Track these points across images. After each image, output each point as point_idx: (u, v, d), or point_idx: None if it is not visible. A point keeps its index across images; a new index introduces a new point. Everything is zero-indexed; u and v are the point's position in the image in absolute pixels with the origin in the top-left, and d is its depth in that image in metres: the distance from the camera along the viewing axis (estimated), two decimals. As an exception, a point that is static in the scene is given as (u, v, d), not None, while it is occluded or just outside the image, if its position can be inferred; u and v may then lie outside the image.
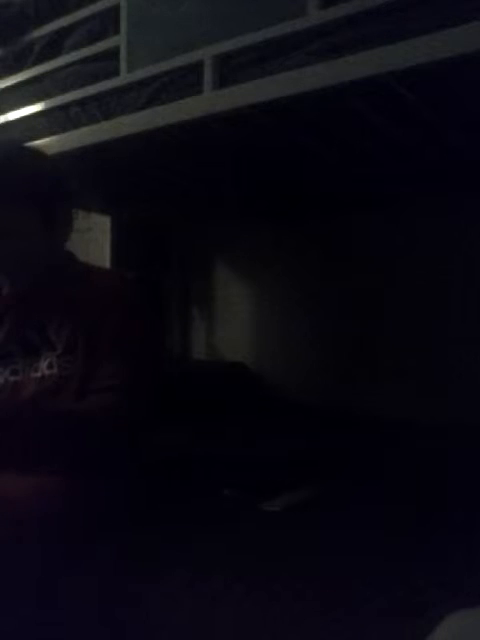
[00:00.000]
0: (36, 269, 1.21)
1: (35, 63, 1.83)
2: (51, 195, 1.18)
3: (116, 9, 1.59)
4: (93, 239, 2.92)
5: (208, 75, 1.38)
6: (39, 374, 1.13)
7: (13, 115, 1.86)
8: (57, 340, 1.14)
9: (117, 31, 1.59)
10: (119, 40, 1.58)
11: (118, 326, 1.13)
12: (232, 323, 2.93)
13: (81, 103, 1.68)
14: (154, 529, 1.15)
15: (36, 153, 1.25)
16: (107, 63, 1.63)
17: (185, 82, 1.44)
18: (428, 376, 2.31)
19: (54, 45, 1.79)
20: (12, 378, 1.15)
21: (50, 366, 1.12)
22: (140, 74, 1.52)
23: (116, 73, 1.58)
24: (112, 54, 1.60)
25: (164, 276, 3.08)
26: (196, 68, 1.41)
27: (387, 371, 2.43)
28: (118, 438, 1.12)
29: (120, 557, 1.09)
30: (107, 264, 2.77)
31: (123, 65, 1.56)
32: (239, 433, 2.01)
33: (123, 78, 1.56)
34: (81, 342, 1.12)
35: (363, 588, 0.91)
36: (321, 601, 0.90)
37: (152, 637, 0.97)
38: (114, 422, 1.09)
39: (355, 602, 0.88)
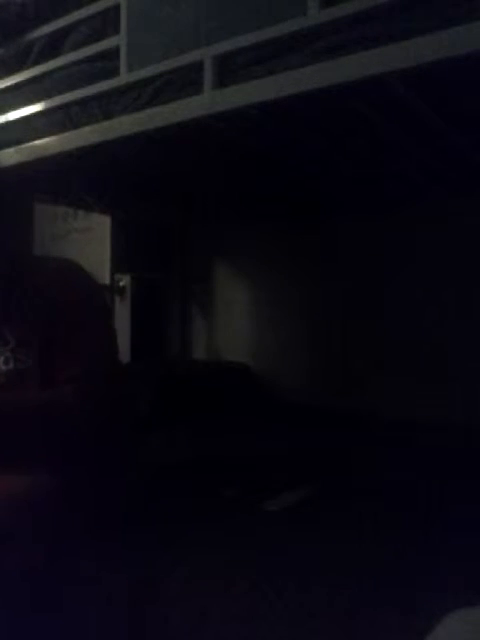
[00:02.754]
0: None
1: (35, 63, 1.82)
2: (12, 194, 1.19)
3: (116, 9, 1.59)
4: (93, 239, 2.92)
5: (208, 75, 1.37)
6: None
7: (13, 115, 1.86)
8: (9, 334, 1.14)
9: (117, 31, 1.58)
10: (119, 40, 1.57)
11: (72, 314, 1.14)
12: (232, 323, 2.93)
13: (81, 103, 1.67)
14: (154, 529, 1.15)
15: None
16: (107, 63, 1.63)
17: (185, 82, 1.44)
18: (428, 376, 2.31)
19: (54, 45, 1.79)
20: None
21: (6, 362, 1.12)
22: (140, 74, 1.52)
23: (116, 73, 1.58)
24: (112, 54, 1.60)
25: (164, 276, 3.08)
26: (196, 68, 1.40)
27: (387, 371, 2.43)
28: (80, 428, 1.10)
29: (119, 557, 1.09)
30: (107, 264, 2.77)
31: (123, 65, 1.56)
32: (239, 433, 2.01)
33: (123, 78, 1.56)
34: (36, 334, 1.12)
35: (363, 588, 0.91)
36: (321, 600, 0.90)
37: (152, 636, 0.97)
38: (73, 411, 1.08)
39: (355, 602, 0.88)
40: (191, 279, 3.08)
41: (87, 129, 1.66)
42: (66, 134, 1.72)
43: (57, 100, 1.73)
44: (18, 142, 1.84)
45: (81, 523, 1.11)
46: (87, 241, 2.95)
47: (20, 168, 1.82)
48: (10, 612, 0.98)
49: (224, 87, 1.37)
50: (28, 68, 1.84)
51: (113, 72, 1.59)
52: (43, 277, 1.18)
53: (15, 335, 1.13)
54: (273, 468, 1.58)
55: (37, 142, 1.78)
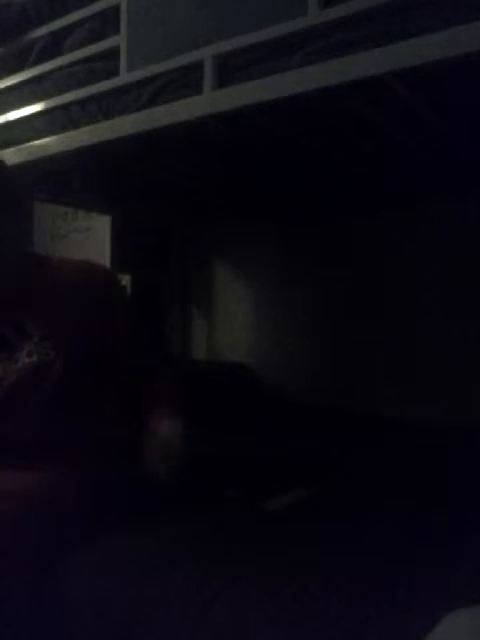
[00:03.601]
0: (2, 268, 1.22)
1: (35, 63, 1.82)
2: (10, 197, 1.19)
3: (116, 9, 1.59)
4: (93, 239, 2.92)
5: (208, 75, 1.38)
6: (19, 364, 1.16)
7: (13, 115, 1.86)
8: (33, 329, 1.17)
9: (117, 31, 1.59)
10: (119, 40, 1.57)
11: (96, 310, 1.19)
12: (232, 323, 2.93)
13: (81, 103, 1.68)
14: (154, 528, 1.15)
15: None
16: (107, 63, 1.63)
17: (185, 82, 1.44)
18: (428, 376, 2.31)
19: (54, 45, 1.79)
20: None
21: (29, 354, 1.15)
22: (140, 74, 1.52)
23: (116, 73, 1.58)
24: (112, 54, 1.60)
25: (164, 276, 3.08)
26: (196, 68, 1.40)
27: (387, 371, 2.43)
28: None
29: (119, 556, 1.09)
30: (107, 264, 2.77)
31: (123, 65, 1.56)
32: (239, 433, 2.01)
33: (123, 78, 1.56)
34: (58, 327, 1.16)
35: (363, 588, 0.91)
36: (321, 601, 0.90)
37: (152, 636, 0.97)
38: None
39: (355, 602, 0.88)
40: (191, 279, 3.08)
41: (87, 129, 1.66)
42: (66, 134, 1.72)
43: (57, 100, 1.73)
44: (18, 142, 1.84)
45: (84, 519, 1.12)
46: (87, 241, 2.96)
47: (20, 168, 1.82)
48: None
49: (224, 87, 1.37)
50: (28, 68, 1.84)
51: (113, 72, 1.59)
52: (67, 275, 1.23)
53: (39, 330, 1.16)
54: (274, 468, 1.58)
55: (37, 142, 1.78)
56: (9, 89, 1.89)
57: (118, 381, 1.23)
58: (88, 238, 2.95)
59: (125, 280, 2.90)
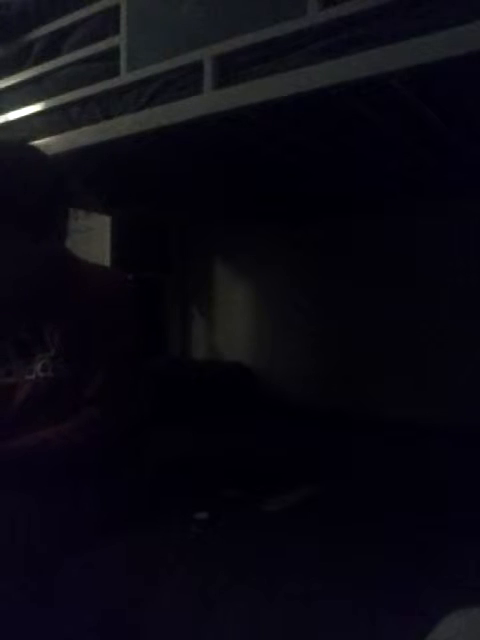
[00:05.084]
0: (29, 271, 1.16)
1: (35, 63, 1.82)
2: (47, 199, 1.13)
3: (116, 9, 1.59)
4: (93, 239, 2.92)
5: (208, 75, 1.37)
6: (33, 376, 1.12)
7: (13, 115, 1.86)
8: (51, 341, 1.13)
9: (117, 31, 1.58)
10: (119, 40, 1.57)
11: (111, 332, 1.13)
12: (232, 323, 2.93)
13: (81, 103, 1.68)
14: (154, 529, 1.15)
15: (33, 154, 1.21)
16: (107, 63, 1.63)
17: (185, 82, 1.44)
18: (428, 376, 2.31)
19: (54, 45, 1.79)
20: (7, 380, 1.15)
21: (44, 368, 1.12)
22: (140, 74, 1.52)
23: (116, 73, 1.58)
24: (112, 54, 1.60)
25: (164, 276, 3.08)
26: (196, 68, 1.40)
27: (387, 371, 2.43)
28: (99, 454, 1.13)
29: (120, 557, 1.09)
30: (107, 264, 2.77)
31: (123, 65, 1.56)
32: (239, 433, 2.01)
33: (123, 78, 1.56)
34: (75, 345, 1.12)
35: (363, 588, 0.91)
36: (321, 601, 0.90)
37: (152, 637, 0.97)
38: (91, 441, 1.11)
39: (355, 602, 0.88)
40: (191, 279, 3.08)
41: (87, 129, 1.66)
42: (66, 134, 1.72)
43: (57, 100, 1.73)
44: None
45: (85, 521, 1.12)
46: (87, 241, 2.95)
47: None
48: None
49: (224, 87, 1.37)
50: (28, 68, 1.84)
51: (113, 72, 1.59)
52: (89, 288, 1.16)
53: (57, 344, 1.12)
54: (273, 468, 1.58)
55: (37, 142, 1.78)
56: (9, 89, 1.89)
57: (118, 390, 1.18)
58: (88, 238, 2.95)
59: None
